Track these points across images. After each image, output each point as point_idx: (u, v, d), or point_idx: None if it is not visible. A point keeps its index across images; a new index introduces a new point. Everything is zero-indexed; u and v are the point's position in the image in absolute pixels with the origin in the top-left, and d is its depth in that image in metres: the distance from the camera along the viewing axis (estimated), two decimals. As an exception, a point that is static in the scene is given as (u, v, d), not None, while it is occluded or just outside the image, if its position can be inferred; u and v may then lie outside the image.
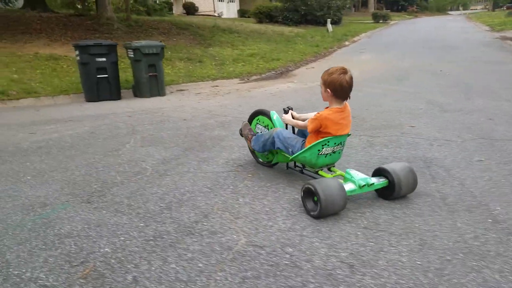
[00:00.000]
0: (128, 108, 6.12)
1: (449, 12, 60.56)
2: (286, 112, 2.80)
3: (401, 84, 7.27)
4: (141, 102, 6.76)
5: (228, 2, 33.22)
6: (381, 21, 30.45)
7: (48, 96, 7.04)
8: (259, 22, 23.35)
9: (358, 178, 2.36)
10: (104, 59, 6.58)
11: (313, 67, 11.39)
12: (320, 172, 2.61)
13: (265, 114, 3.09)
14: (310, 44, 15.81)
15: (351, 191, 2.32)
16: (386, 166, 2.46)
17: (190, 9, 29.30)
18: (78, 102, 6.89)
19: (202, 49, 12.86)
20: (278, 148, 2.74)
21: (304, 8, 23.01)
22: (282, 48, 14.30)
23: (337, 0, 23.96)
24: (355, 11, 45.31)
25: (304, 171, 2.80)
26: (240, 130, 3.17)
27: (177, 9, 29.17)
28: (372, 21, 30.46)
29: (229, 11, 32.56)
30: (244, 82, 9.36)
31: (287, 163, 2.97)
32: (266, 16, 23.84)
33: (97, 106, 6.36)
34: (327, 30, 20.30)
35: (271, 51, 13.59)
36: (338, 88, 2.36)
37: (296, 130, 2.89)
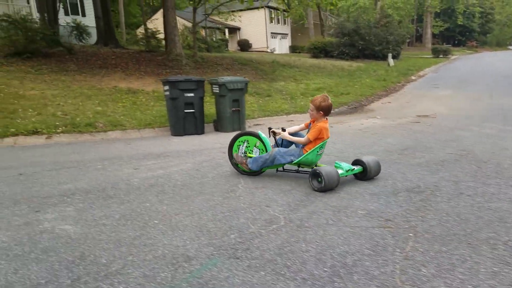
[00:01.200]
0: (216, 143, 5.96)
1: (510, 47, 57.70)
2: (283, 130, 3.79)
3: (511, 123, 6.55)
4: (224, 136, 6.60)
5: (280, 39, 33.97)
6: (441, 56, 29.46)
7: (134, 129, 7.11)
8: (314, 57, 23.42)
9: (345, 166, 3.57)
10: (192, 94, 6.58)
11: (389, 102, 10.89)
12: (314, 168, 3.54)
13: (252, 135, 3.90)
14: (376, 78, 15.38)
15: (342, 174, 3.49)
16: (362, 158, 3.69)
17: (245, 46, 30.24)
18: (164, 136, 6.88)
19: (267, 83, 12.87)
20: (279, 162, 3.68)
21: (361, 43, 22.81)
22: (348, 82, 13.98)
23: (395, 35, 23.55)
24: (408, 45, 44.53)
25: (299, 170, 3.77)
26: (232, 159, 3.91)
27: (232, 46, 30.24)
28: (431, 56, 29.55)
29: (281, 47, 33.21)
30: (319, 118, 9.04)
31: (277, 169, 3.91)
32: (320, 51, 23.90)
33: (185, 141, 6.27)
34: (388, 65, 19.84)
35: (337, 85, 13.31)
36: (326, 110, 3.54)
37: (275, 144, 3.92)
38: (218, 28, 28.03)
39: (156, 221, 2.83)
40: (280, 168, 3.91)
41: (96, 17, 17.05)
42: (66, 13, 20.50)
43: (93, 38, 18.45)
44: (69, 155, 5.27)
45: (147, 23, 24.88)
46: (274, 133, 3.82)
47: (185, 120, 6.67)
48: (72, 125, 6.95)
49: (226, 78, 6.87)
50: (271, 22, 32.49)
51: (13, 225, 2.77)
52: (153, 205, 3.16)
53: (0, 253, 2.34)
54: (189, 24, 22.11)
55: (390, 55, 20.55)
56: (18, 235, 2.60)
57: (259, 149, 3.89)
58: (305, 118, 9.52)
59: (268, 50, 30.42)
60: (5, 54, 11.53)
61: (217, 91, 6.84)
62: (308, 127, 3.74)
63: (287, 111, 9.20)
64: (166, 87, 6.60)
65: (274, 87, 12.18)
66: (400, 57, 24.66)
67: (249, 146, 3.91)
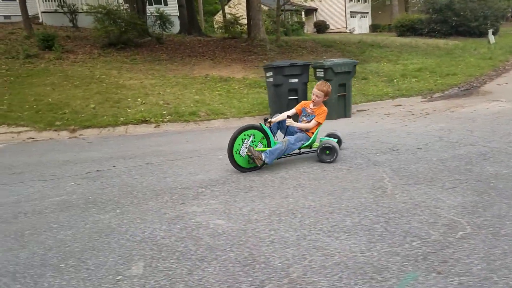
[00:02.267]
0: (325, 131, 5.59)
1: None
2: (289, 118, 3.89)
3: None
4: (330, 124, 6.21)
5: (360, 18, 32.16)
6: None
7: (235, 118, 7.05)
8: (400, 35, 21.66)
9: (329, 139, 4.07)
10: (296, 80, 6.27)
11: (506, 83, 9.54)
12: (315, 146, 4.00)
13: (256, 128, 3.78)
14: (480, 57, 13.68)
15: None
16: (335, 132, 4.32)
17: (321, 27, 29.16)
18: (267, 124, 6.71)
19: (359, 65, 12.08)
20: (291, 150, 3.81)
21: (455, 19, 20.52)
22: (450, 62, 12.60)
23: (494, 9, 20.78)
24: (506, 21, 39.23)
25: (301, 152, 4.04)
26: (251, 154, 3.62)
27: (308, 28, 29.34)
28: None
29: (361, 26, 31.44)
30: (428, 101, 8.20)
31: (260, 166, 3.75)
32: (408, 29, 22.02)
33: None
34: (489, 42, 17.62)
35: (438, 65, 12.05)
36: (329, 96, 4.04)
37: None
38: (296, 10, 27.33)
39: (312, 220, 2.57)
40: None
41: (180, 5, 17.54)
42: (150, 3, 21.49)
43: (175, 27, 19.09)
44: (183, 144, 5.32)
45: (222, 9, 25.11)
46: (270, 123, 3.83)
47: (288, 107, 6.38)
48: (177, 114, 7.11)
49: (332, 61, 6.43)
50: (350, 0, 30.87)
51: (165, 218, 2.72)
52: (298, 200, 2.91)
53: (166, 250, 2.26)
54: (266, 8, 21.83)
55: (490, 31, 18.21)
56: (174, 230, 2.52)
57: (262, 144, 3.83)
58: (413, 102, 8.72)
59: (347, 30, 28.97)
60: (101, 45, 12.33)
61: (322, 75, 6.44)
62: (301, 112, 4.02)
63: (392, 95, 8.48)
64: (269, 73, 6.37)
65: (367, 69, 11.39)
66: (499, 34, 21.78)
67: (254, 141, 3.76)
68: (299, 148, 3.95)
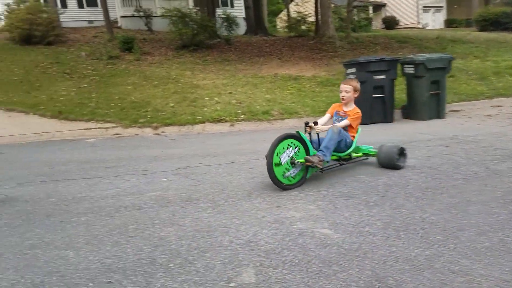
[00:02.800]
0: (419, 133, 5.16)
1: None
2: (315, 124, 3.35)
3: None
4: (421, 125, 5.74)
5: (433, 13, 30.06)
6: None
7: (309, 117, 6.83)
8: (482, 30, 19.77)
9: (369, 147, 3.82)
10: (383, 77, 5.89)
11: None
12: (356, 155, 3.65)
13: (294, 137, 3.20)
14: None
15: None
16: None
17: (391, 23, 27.68)
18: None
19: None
20: (344, 144, 3.36)
21: (547, 10, 18.26)
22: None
23: None
24: None
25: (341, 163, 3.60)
26: (312, 163, 3.08)
27: (376, 24, 28.05)
28: None
29: (435, 21, 29.33)
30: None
31: (321, 169, 3.25)
32: (491, 23, 20.02)
33: (376, 131, 5.66)
34: None
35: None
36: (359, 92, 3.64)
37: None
38: (364, 6, 26.33)
39: (439, 237, 2.25)
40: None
41: (247, 7, 17.68)
42: (217, 5, 22.01)
43: (240, 28, 19.31)
44: (262, 143, 5.21)
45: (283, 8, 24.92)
46: (310, 128, 3.32)
47: (372, 107, 6.03)
48: (250, 113, 7.07)
49: (424, 56, 5.95)
50: (422, -6, 28.98)
51: (264, 222, 2.59)
52: (414, 213, 2.60)
53: (274, 258, 2.11)
54: (332, 6, 21.20)
55: None
56: (277, 236, 2.38)
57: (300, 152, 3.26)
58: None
59: (419, 26, 27.22)
60: (175, 47, 12.79)
61: (412, 71, 5.97)
62: (334, 115, 3.65)
63: (488, 94, 7.68)
64: (351, 70, 6.06)
65: (453, 66, 10.48)
66: None
67: (298, 154, 3.21)
68: (340, 158, 3.50)
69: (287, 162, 3.12)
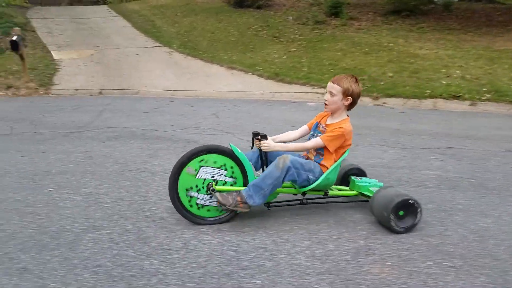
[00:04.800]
0: None
1: None
2: (263, 137, 2.22)
3: None
4: None
5: None
6: None
7: None
8: None
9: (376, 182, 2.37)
10: None
11: None
12: (334, 192, 2.36)
13: (219, 151, 2.18)
14: None
15: None
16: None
17: None
18: None
19: None
20: (292, 178, 2.16)
21: None
22: None
23: None
24: None
25: (306, 200, 2.31)
26: (220, 203, 2.08)
27: None
28: None
29: None
30: None
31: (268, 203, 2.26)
32: None
33: None
34: None
35: None
36: (357, 100, 2.29)
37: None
38: None
39: None
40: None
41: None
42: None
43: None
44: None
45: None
46: (260, 140, 2.25)
47: None
48: (497, 93, 5.92)
49: None
50: None
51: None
52: None
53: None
54: None
55: None
56: None
57: (234, 178, 2.27)
58: None
59: None
60: (384, 12, 11.97)
61: None
62: (313, 129, 2.40)
63: None
64: None
65: None
66: None
67: (227, 174, 2.24)
68: (304, 193, 2.30)
69: (203, 181, 2.20)
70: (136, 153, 3.39)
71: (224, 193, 2.10)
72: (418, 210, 2.02)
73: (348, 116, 2.31)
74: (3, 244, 1.90)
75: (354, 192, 2.36)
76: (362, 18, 11.70)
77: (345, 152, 2.27)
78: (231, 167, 2.20)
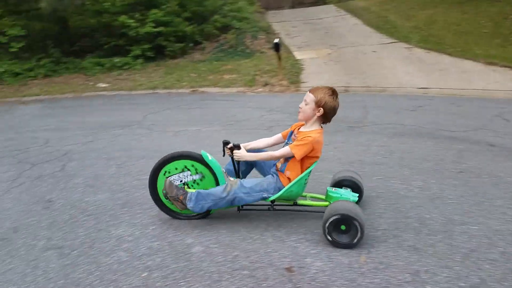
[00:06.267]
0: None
1: None
2: (236, 147, 2.39)
3: None
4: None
5: None
6: None
7: None
8: None
9: (348, 194, 2.44)
10: None
11: None
12: (303, 202, 2.47)
13: (191, 157, 2.45)
14: None
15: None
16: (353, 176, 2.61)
17: None
18: None
19: None
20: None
21: None
22: None
23: None
24: None
25: (274, 207, 2.47)
26: (164, 192, 2.46)
27: None
28: None
29: None
30: None
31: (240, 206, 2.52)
32: None
33: None
34: None
35: None
36: (332, 112, 2.34)
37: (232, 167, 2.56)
38: None
39: None
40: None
41: None
42: None
43: None
44: None
45: None
46: (232, 150, 2.43)
47: None
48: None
49: None
50: None
51: None
52: None
53: None
54: None
55: None
56: None
57: (199, 173, 2.54)
58: None
59: None
60: None
61: None
62: (288, 139, 2.51)
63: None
64: None
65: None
66: None
67: (199, 183, 2.52)
68: (272, 201, 2.42)
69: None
70: (440, 152, 3.45)
71: (174, 184, 2.42)
72: (356, 223, 2.08)
73: (321, 127, 2.36)
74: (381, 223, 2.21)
75: (325, 203, 2.41)
76: None
77: (312, 164, 2.34)
78: (192, 165, 2.45)
